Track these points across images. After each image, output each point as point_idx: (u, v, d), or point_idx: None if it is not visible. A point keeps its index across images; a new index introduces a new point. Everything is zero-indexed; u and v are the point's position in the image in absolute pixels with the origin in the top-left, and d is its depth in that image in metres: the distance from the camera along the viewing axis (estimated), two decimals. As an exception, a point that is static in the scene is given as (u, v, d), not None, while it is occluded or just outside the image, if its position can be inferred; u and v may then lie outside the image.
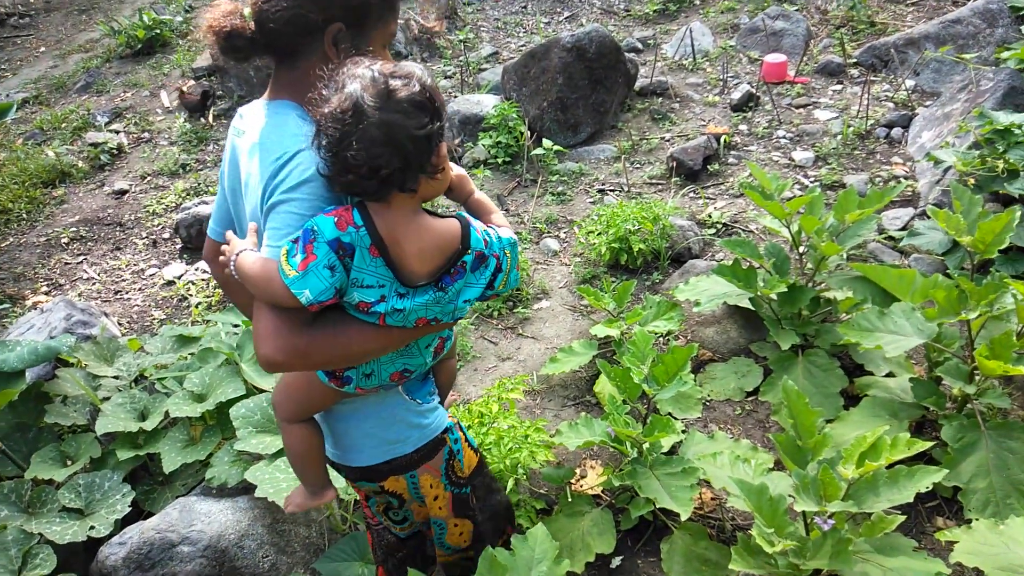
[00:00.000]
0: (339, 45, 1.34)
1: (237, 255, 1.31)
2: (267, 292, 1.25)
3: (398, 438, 1.54)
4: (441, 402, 1.68)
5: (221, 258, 1.39)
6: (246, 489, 2.45)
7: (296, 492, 1.65)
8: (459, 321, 1.48)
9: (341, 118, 1.18)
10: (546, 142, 4.88)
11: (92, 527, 2.34)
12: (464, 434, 1.73)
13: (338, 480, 2.29)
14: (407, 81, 1.21)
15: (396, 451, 1.55)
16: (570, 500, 2.48)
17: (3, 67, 8.01)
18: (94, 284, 4.44)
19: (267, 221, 1.28)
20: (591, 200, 4.57)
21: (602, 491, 2.60)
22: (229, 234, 1.40)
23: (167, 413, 2.63)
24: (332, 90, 1.21)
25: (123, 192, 5.43)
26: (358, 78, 1.20)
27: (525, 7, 7.49)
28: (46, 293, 4.37)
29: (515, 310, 3.72)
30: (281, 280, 1.22)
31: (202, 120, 6.29)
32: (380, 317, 1.31)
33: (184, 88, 6.34)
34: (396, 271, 1.29)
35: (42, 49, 8.48)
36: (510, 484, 2.37)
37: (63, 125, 6.41)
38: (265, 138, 1.33)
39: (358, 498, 2.54)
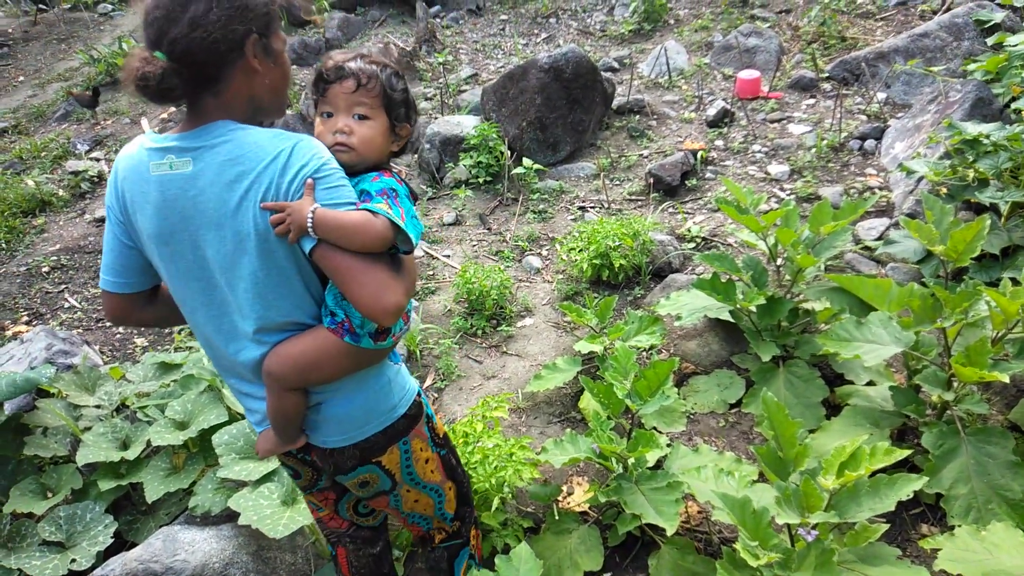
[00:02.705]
0: (257, 54, 1.37)
1: (314, 211, 1.31)
2: (371, 237, 1.34)
3: (393, 403, 1.61)
4: None
5: (280, 227, 1.34)
6: (230, 517, 2.43)
7: (266, 439, 1.62)
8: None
9: (401, 77, 1.52)
10: (526, 161, 4.92)
11: (73, 560, 2.31)
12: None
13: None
14: None
15: (394, 415, 1.61)
16: (557, 518, 2.47)
17: (-19, 97, 7.98)
18: (76, 313, 4.40)
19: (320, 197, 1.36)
20: (572, 217, 4.61)
21: (589, 508, 2.60)
22: (282, 203, 1.36)
23: (149, 442, 2.61)
24: (375, 56, 1.49)
25: (104, 220, 5.40)
26: (381, 53, 1.49)
27: (503, 29, 7.57)
28: (27, 323, 4.32)
29: (499, 328, 3.73)
30: (389, 226, 1.34)
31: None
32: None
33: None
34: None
35: (21, 78, 8.45)
36: (495, 503, 2.37)
37: (43, 154, 6.38)
38: (237, 151, 1.33)
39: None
